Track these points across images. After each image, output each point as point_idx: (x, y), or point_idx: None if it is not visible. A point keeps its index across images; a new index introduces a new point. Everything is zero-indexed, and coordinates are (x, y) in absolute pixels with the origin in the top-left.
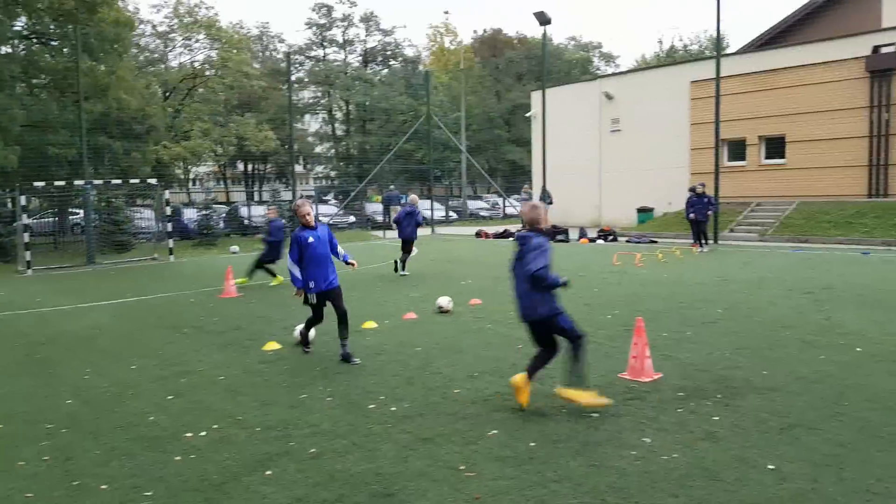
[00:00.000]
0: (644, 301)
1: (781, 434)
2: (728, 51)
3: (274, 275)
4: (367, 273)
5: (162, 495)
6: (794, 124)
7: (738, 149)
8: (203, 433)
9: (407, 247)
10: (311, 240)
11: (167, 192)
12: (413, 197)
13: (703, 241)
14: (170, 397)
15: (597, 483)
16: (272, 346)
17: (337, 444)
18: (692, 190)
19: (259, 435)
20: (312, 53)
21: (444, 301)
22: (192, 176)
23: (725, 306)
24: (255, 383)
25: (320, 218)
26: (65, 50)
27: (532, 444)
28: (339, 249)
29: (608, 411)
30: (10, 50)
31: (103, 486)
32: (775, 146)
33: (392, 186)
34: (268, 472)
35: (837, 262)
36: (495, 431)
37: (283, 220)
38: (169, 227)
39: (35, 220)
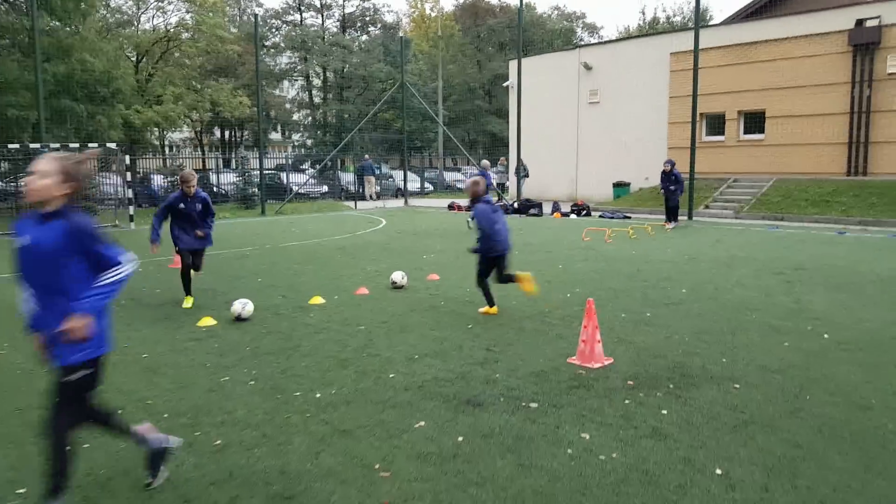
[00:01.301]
0: (607, 279)
1: (734, 433)
2: (711, 24)
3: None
4: (328, 245)
5: (35, 493)
6: (773, 99)
7: (716, 123)
8: None
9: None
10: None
11: (127, 157)
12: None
13: (672, 219)
14: None
15: (522, 487)
16: (207, 321)
17: (246, 435)
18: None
19: (165, 422)
20: (289, 18)
21: (398, 276)
22: (167, 142)
23: (691, 286)
24: (177, 363)
25: (293, 187)
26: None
27: (460, 438)
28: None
29: (549, 401)
30: None
31: None
32: (754, 121)
33: (367, 156)
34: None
35: (812, 241)
36: (422, 423)
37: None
38: (129, 192)
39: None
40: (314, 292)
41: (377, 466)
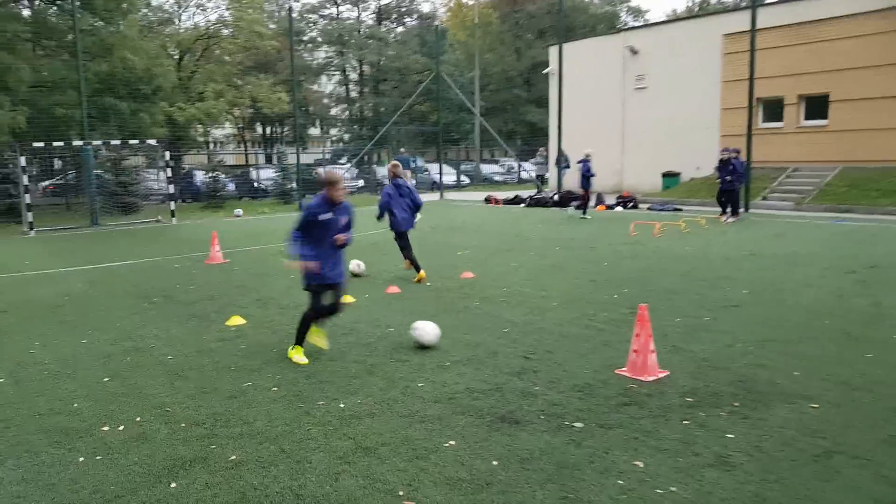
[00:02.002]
0: (658, 278)
1: (816, 464)
2: (768, 2)
3: None
4: (360, 240)
5: None
6: (838, 82)
7: (774, 109)
8: (121, 427)
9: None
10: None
11: (168, 154)
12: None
13: (729, 211)
14: (105, 379)
15: None
16: (236, 321)
17: (264, 450)
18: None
19: (182, 432)
20: (326, 12)
21: (353, 265)
22: (210, 139)
23: (752, 286)
24: (202, 365)
25: None
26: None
27: (494, 462)
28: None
29: (596, 420)
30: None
31: None
32: (817, 106)
33: (403, 149)
34: (172, 485)
35: (886, 235)
36: (452, 442)
37: None
38: (171, 188)
39: (58, 181)
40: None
41: (401, 493)
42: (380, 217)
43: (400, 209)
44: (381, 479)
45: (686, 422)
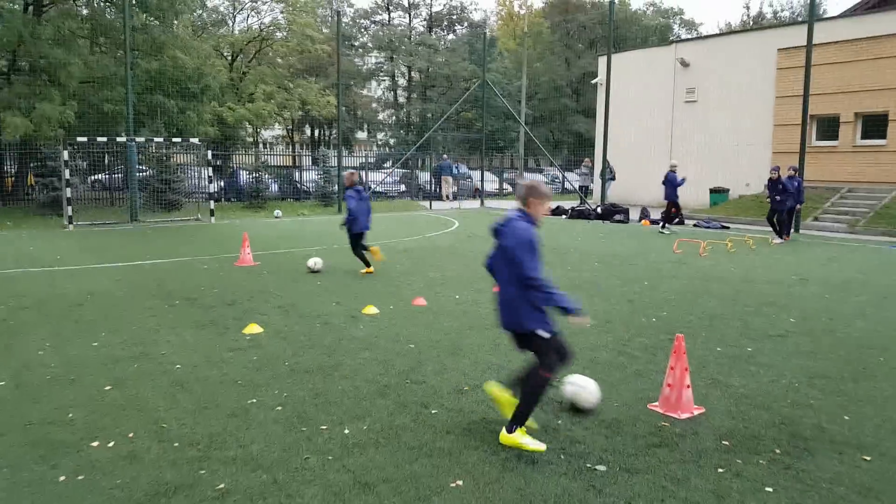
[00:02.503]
0: (700, 301)
1: None
2: (825, 17)
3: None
4: (395, 246)
5: None
6: None
7: (829, 126)
8: (111, 443)
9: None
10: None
11: (210, 153)
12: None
13: (780, 233)
14: (107, 388)
15: None
16: (253, 328)
17: (255, 479)
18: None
19: (173, 453)
20: (378, 18)
21: (311, 262)
22: (260, 139)
23: (800, 315)
24: (208, 377)
25: (370, 185)
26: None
27: None
28: None
29: (621, 463)
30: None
31: None
32: (875, 125)
33: (445, 156)
34: None
35: None
36: (460, 483)
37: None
38: (212, 187)
39: (105, 176)
40: (369, 300)
41: None
42: (349, 222)
43: (362, 214)
44: None
45: (721, 469)
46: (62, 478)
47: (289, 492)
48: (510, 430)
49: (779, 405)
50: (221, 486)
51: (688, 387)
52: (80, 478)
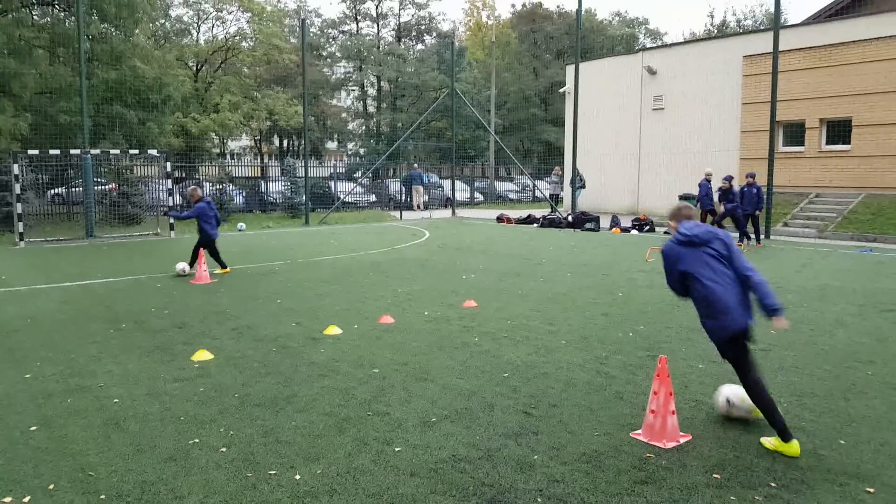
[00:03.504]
0: (677, 313)
1: None
2: (790, 24)
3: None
4: (362, 260)
5: None
6: (862, 106)
7: (795, 132)
8: (27, 498)
9: None
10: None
11: (168, 165)
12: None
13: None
14: (33, 428)
15: None
16: (201, 355)
17: None
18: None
19: None
20: (346, 28)
21: (180, 266)
22: (227, 150)
23: None
24: (148, 413)
25: (339, 196)
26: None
27: None
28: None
29: None
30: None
31: None
32: (839, 130)
33: (416, 165)
34: None
35: None
36: None
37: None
38: (171, 200)
39: (65, 189)
40: (333, 319)
41: None
42: (207, 235)
43: (211, 224)
44: None
45: None
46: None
47: None
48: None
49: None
50: None
51: (673, 413)
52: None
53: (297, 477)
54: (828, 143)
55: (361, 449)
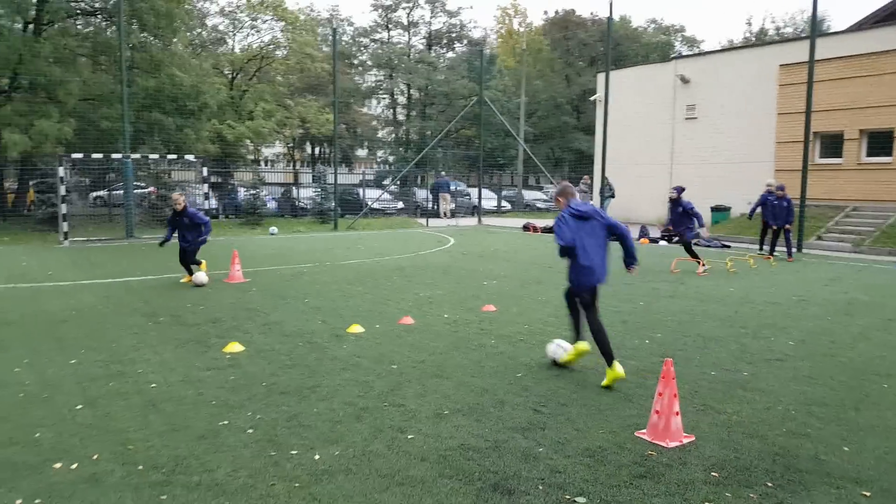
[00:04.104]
0: (697, 322)
1: None
2: (829, 32)
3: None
4: (388, 264)
5: None
6: None
7: (833, 144)
8: (74, 465)
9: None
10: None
11: (205, 170)
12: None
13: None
14: (79, 406)
15: None
16: (233, 347)
17: None
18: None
19: (136, 477)
20: (377, 36)
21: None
22: (260, 157)
23: (800, 337)
24: (183, 397)
25: (368, 201)
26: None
27: None
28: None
29: (602, 495)
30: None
31: None
32: (880, 142)
33: (443, 173)
34: None
35: None
36: None
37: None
38: (206, 204)
39: (106, 192)
40: (356, 319)
41: None
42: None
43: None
44: None
45: (708, 503)
46: (18, 501)
47: None
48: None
49: (774, 434)
50: None
51: (677, 414)
52: (36, 501)
53: (317, 457)
54: (868, 155)
55: (377, 435)
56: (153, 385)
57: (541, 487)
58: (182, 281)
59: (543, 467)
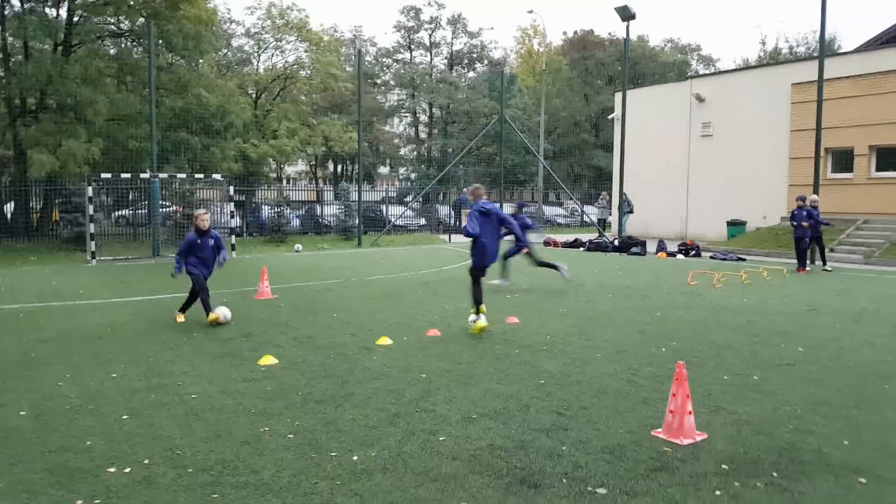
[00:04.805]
0: (711, 331)
1: None
2: (839, 52)
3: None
4: (413, 279)
5: None
6: None
7: (844, 159)
8: (128, 469)
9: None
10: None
11: (231, 188)
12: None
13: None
14: (125, 417)
15: None
16: (268, 360)
17: (266, 502)
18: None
19: (186, 479)
20: (400, 56)
21: (222, 312)
22: (283, 175)
23: (810, 344)
24: (223, 407)
25: (390, 219)
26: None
27: None
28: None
29: (622, 486)
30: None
31: None
32: (889, 157)
33: (465, 190)
34: None
35: None
36: None
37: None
38: (232, 222)
39: (129, 211)
40: (384, 332)
41: None
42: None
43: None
44: None
45: (718, 492)
46: (79, 502)
47: None
48: None
49: (781, 431)
50: None
51: (689, 413)
52: (96, 502)
53: (355, 458)
54: (878, 170)
55: (410, 438)
56: (193, 396)
57: (564, 481)
58: (208, 321)
59: (567, 463)
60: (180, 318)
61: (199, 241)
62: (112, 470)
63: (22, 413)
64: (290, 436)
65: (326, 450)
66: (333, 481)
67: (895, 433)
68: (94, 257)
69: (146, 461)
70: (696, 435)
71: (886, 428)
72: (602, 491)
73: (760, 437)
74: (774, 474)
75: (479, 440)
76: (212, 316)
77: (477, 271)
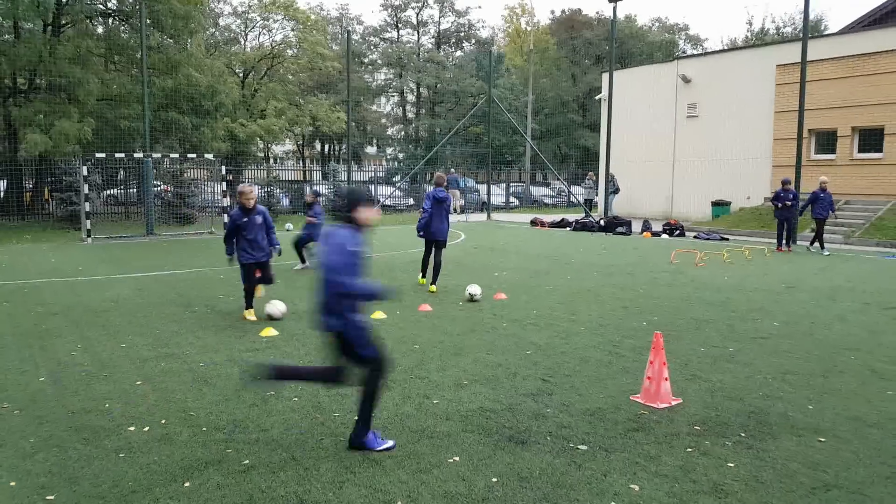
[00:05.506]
0: (691, 307)
1: (812, 496)
2: (823, 34)
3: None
4: (402, 258)
5: (63, 500)
6: (895, 114)
7: (827, 140)
8: (147, 428)
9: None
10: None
11: (223, 168)
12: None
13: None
14: (138, 382)
15: None
16: (269, 332)
17: (276, 456)
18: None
19: (202, 436)
20: (387, 35)
21: (278, 308)
22: (271, 154)
23: (784, 319)
24: (230, 374)
25: (379, 199)
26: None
27: (494, 479)
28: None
29: (601, 444)
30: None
31: (12, 483)
32: (871, 139)
33: (453, 170)
34: (186, 484)
35: None
36: (456, 458)
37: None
38: (225, 201)
39: (119, 190)
40: (378, 307)
41: (399, 503)
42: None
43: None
44: (382, 490)
45: (689, 449)
46: (105, 455)
47: (306, 465)
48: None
49: (751, 397)
50: (247, 461)
51: (666, 379)
52: (121, 455)
53: (356, 418)
54: (860, 151)
55: (406, 401)
56: (201, 364)
57: (549, 439)
58: (248, 318)
59: (551, 424)
60: (251, 316)
61: (245, 219)
62: (132, 429)
63: (42, 379)
64: (296, 399)
65: (329, 411)
66: (337, 438)
67: (855, 399)
68: (89, 235)
69: (163, 421)
70: (672, 400)
71: (848, 394)
72: (583, 447)
73: (732, 402)
74: (742, 434)
75: (470, 403)
76: (247, 314)
77: (428, 244)
